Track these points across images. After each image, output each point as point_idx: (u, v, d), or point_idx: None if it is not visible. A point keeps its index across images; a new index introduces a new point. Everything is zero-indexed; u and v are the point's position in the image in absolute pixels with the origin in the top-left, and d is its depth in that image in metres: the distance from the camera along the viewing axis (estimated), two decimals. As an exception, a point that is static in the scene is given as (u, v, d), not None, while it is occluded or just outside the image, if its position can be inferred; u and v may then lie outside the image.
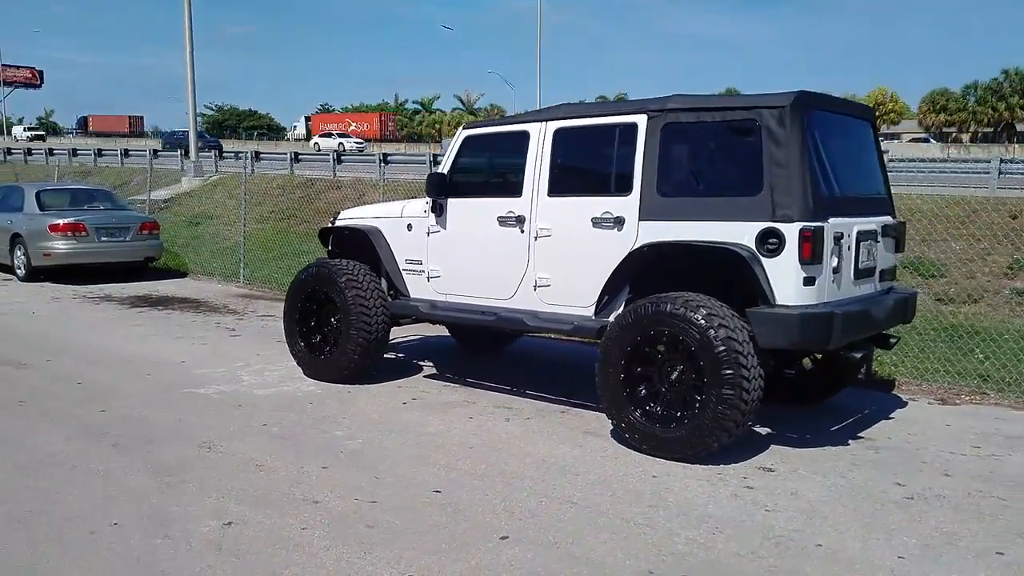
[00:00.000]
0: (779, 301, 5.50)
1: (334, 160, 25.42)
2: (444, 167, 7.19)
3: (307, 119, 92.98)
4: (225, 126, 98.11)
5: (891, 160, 22.73)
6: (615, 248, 6.09)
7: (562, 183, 6.51)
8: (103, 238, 14.24)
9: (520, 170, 6.67)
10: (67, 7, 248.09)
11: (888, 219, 6.48)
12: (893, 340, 6.60)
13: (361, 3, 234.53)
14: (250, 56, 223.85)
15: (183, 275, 15.58)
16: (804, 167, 5.48)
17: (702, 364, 5.53)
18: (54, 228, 13.89)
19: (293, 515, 4.82)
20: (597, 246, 6.18)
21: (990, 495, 5.22)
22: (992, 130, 73.57)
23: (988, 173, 16.81)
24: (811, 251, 5.40)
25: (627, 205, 6.08)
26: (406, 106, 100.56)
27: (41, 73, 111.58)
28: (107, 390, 7.50)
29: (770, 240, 5.48)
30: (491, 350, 9.19)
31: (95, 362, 8.62)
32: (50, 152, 37.02)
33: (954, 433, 6.48)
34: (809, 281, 5.48)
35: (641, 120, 6.08)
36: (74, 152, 36.59)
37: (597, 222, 6.20)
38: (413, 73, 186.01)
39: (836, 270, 5.66)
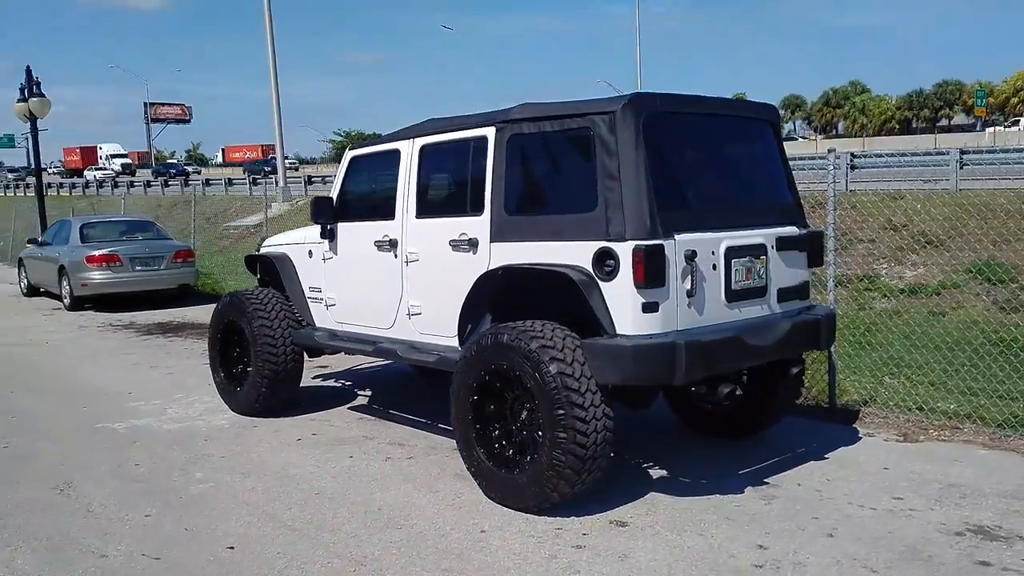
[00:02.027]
0: (618, 330, 4.80)
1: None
2: (333, 190, 6.81)
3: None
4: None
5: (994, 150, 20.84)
6: (471, 272, 5.52)
7: (427, 204, 6.00)
8: (137, 267, 14.62)
9: (393, 191, 6.20)
10: (214, 45, 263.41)
11: (790, 230, 5.60)
12: (795, 370, 5.69)
13: (472, 20, 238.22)
14: (378, 81, 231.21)
15: (222, 300, 15.80)
16: (640, 178, 4.77)
17: (537, 403, 4.90)
18: (90, 259, 14.37)
19: (68, 571, 4.52)
20: (456, 270, 5.63)
21: (862, 566, 4.34)
22: None
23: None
24: (646, 273, 4.67)
25: (480, 225, 5.51)
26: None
27: (190, 109, 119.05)
28: (28, 424, 7.50)
29: (607, 262, 4.79)
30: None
31: (50, 393, 8.70)
32: (166, 183, 38.90)
33: (885, 480, 5.52)
34: (650, 307, 4.75)
35: (491, 133, 5.50)
36: (207, 182, 38.15)
37: (455, 245, 5.65)
38: (530, 87, 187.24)
39: (691, 293, 4.88)
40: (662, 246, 4.73)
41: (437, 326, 5.86)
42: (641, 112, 4.86)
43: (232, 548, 4.76)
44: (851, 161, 19.35)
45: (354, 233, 6.55)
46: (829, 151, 7.10)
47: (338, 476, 5.88)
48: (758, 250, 5.30)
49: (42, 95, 18.68)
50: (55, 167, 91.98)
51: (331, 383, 8.80)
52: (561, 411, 4.75)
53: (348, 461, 6.19)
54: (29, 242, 17.21)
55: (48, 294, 16.21)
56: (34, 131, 19.54)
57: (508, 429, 5.24)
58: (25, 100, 18.66)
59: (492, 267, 5.39)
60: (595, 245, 4.83)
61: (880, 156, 21.20)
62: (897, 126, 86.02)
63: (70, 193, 47.60)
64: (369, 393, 8.29)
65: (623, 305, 4.75)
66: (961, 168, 17.51)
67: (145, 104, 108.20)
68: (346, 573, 4.39)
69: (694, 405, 6.49)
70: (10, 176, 70.65)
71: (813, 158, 23.47)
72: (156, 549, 4.78)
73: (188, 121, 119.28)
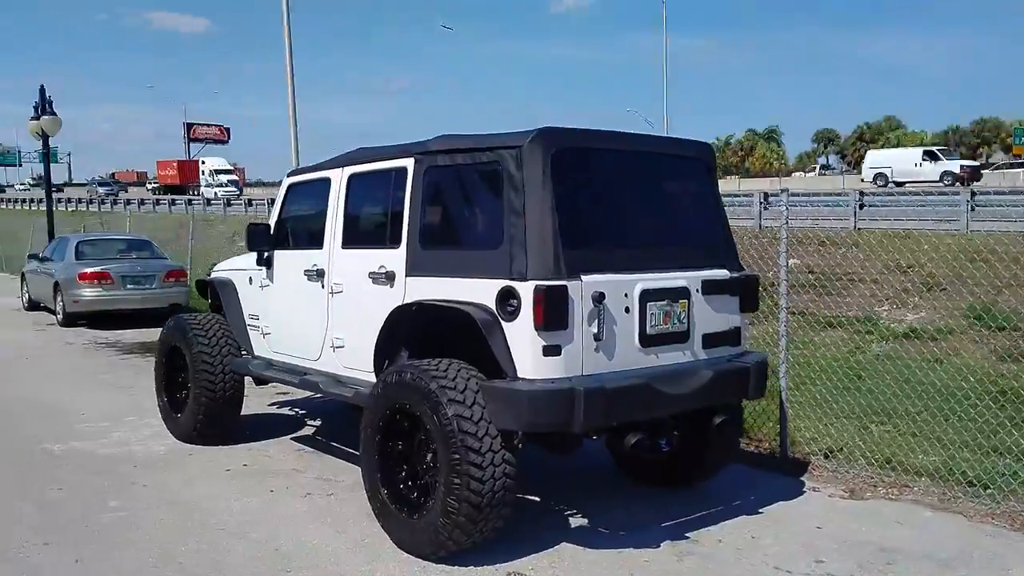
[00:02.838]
0: (519, 373, 4.60)
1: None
2: (272, 217, 6.70)
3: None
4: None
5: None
6: (387, 306, 5.35)
7: (352, 234, 5.86)
8: (129, 286, 14.65)
9: (323, 220, 6.07)
10: (253, 64, 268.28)
11: (718, 273, 5.36)
12: (718, 420, 5.42)
13: (493, 46, 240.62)
14: (410, 104, 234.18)
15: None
16: (544, 216, 4.58)
17: (434, 445, 4.71)
18: (82, 276, 14.43)
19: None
20: (374, 303, 5.46)
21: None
22: None
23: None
24: (546, 314, 4.47)
25: (397, 259, 5.34)
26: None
27: (228, 130, 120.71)
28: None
29: (509, 301, 4.60)
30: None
31: (3, 410, 8.65)
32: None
33: (815, 540, 5.22)
34: (551, 350, 4.54)
35: (410, 164, 5.36)
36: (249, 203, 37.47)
37: (374, 277, 5.49)
38: (553, 114, 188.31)
39: (599, 337, 4.66)
40: (565, 287, 4.52)
41: (358, 360, 5.69)
42: (550, 147, 4.68)
43: (113, 585, 4.60)
44: (860, 199, 18.99)
45: (288, 261, 6.43)
46: (782, 191, 6.85)
47: (250, 511, 5.71)
48: (679, 293, 5.07)
49: (54, 113, 18.94)
50: (152, 183, 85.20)
51: (284, 411, 8.66)
52: (456, 455, 4.54)
53: (267, 496, 6.02)
54: (30, 257, 17.36)
55: (48, 309, 16.31)
56: (46, 148, 19.83)
57: (414, 471, 5.04)
58: (38, 118, 18.91)
59: (407, 301, 5.22)
60: (499, 284, 4.64)
61: (891, 195, 20.77)
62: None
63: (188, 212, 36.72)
64: (318, 423, 8.13)
65: (523, 347, 4.55)
66: (972, 210, 17.10)
67: (184, 124, 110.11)
68: (216, 618, 4.21)
69: (631, 452, 6.24)
70: (101, 190, 64.54)
71: (830, 194, 23.12)
72: (37, 584, 4.64)
73: (226, 142, 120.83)
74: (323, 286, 5.98)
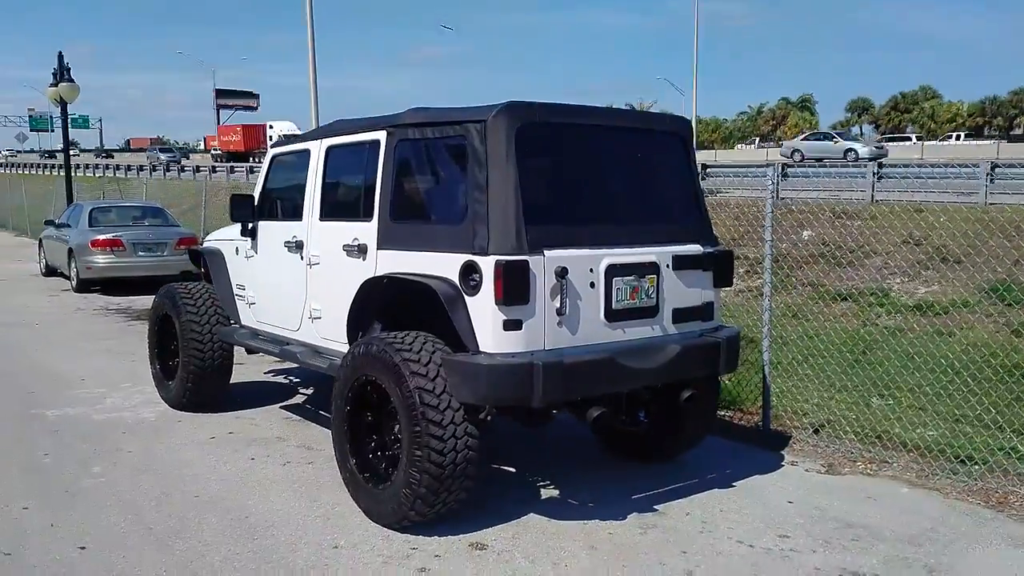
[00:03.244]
0: (481, 347, 4.61)
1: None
2: (256, 188, 6.73)
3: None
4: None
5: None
6: (359, 279, 5.38)
7: (329, 206, 5.87)
8: (140, 253, 14.82)
9: (302, 192, 6.09)
10: (282, 35, 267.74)
11: (690, 248, 5.32)
12: (686, 394, 5.39)
13: (518, 13, 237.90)
14: (443, 74, 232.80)
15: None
16: (507, 191, 4.56)
17: (399, 417, 4.75)
18: (95, 243, 14.61)
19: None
20: (347, 276, 5.48)
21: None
22: None
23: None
24: (506, 289, 4.47)
25: (368, 232, 5.36)
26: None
27: (257, 96, 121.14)
28: (-35, 408, 7.60)
29: (472, 276, 4.60)
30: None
31: (5, 375, 8.82)
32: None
33: (782, 515, 5.23)
34: (512, 325, 4.54)
35: (382, 136, 5.35)
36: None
37: (348, 250, 5.52)
38: (585, 83, 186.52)
39: (562, 311, 4.66)
40: (526, 262, 4.51)
41: (334, 332, 5.73)
42: (515, 122, 4.65)
43: (83, 548, 4.71)
44: (878, 170, 18.69)
45: (271, 232, 6.46)
46: (767, 164, 6.76)
47: (228, 479, 5.80)
48: (647, 268, 5.04)
49: (71, 80, 19.07)
50: (213, 149, 79.38)
51: (279, 379, 8.76)
52: (417, 428, 4.58)
53: (247, 463, 6.11)
54: (46, 223, 17.58)
55: (63, 275, 16.54)
56: (64, 115, 20.02)
57: (382, 442, 5.10)
58: (56, 85, 19.06)
59: (378, 274, 5.25)
60: (462, 258, 4.64)
61: (909, 167, 20.42)
62: (963, 133, 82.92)
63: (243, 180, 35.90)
64: (310, 392, 8.22)
65: (484, 321, 4.56)
66: (992, 182, 16.79)
67: (214, 91, 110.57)
68: (178, 584, 4.30)
69: (607, 423, 6.27)
70: (163, 157, 62.48)
71: (845, 165, 22.78)
72: (12, 543, 4.76)
73: (255, 109, 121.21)
74: (302, 258, 6.02)
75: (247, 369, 8.77)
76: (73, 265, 15.18)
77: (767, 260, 6.71)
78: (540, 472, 5.96)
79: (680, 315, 5.25)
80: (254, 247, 6.69)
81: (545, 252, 4.59)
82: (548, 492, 5.63)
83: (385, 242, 5.23)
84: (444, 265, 4.75)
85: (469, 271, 4.60)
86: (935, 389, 7.40)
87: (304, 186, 6.06)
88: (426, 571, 4.45)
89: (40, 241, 17.92)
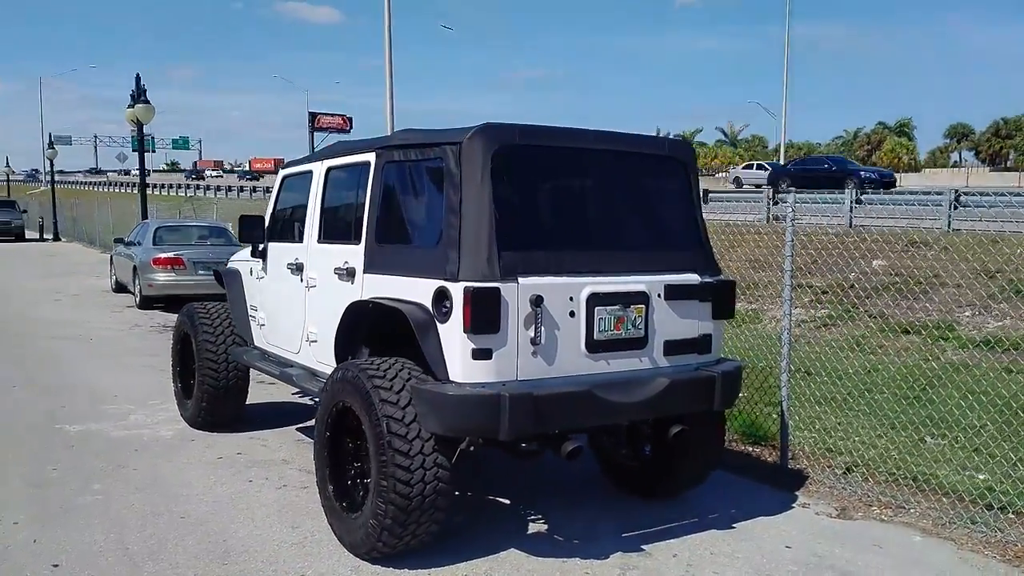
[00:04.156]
0: (451, 376, 4.49)
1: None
2: (268, 209, 6.77)
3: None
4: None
5: None
6: (347, 302, 5.33)
7: (326, 229, 5.85)
8: (200, 271, 15.14)
9: (304, 213, 6.09)
10: (373, 59, 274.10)
11: (686, 277, 5.08)
12: (674, 430, 5.13)
13: (632, 40, 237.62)
14: (543, 96, 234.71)
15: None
16: (481, 215, 4.44)
17: (368, 445, 4.66)
18: (156, 261, 15.04)
19: None
20: (338, 300, 5.43)
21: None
22: None
23: None
24: (475, 317, 4.33)
25: (357, 255, 5.30)
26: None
27: (351, 119, 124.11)
28: (-2, 420, 7.84)
29: (444, 302, 4.49)
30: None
31: (44, 389, 9.08)
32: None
33: (775, 561, 4.92)
34: (482, 354, 4.40)
35: (372, 158, 5.30)
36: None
37: (339, 273, 5.47)
38: (674, 108, 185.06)
39: (536, 341, 4.50)
40: (497, 289, 4.37)
41: (327, 355, 5.68)
42: (491, 145, 4.53)
43: (56, 566, 4.73)
44: (955, 198, 17.89)
45: (278, 254, 6.48)
46: (779, 195, 6.46)
47: (219, 501, 5.79)
48: (635, 298, 4.83)
49: (147, 102, 19.77)
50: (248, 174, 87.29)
51: (305, 400, 8.76)
52: (384, 457, 4.48)
53: (243, 486, 6.10)
54: (116, 241, 18.20)
55: (130, 291, 17.08)
56: (140, 135, 20.70)
57: (361, 469, 5.01)
58: (133, 106, 19.79)
59: (363, 298, 5.18)
60: (435, 283, 4.53)
61: (1001, 195, 19.48)
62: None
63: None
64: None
65: (453, 350, 4.44)
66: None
67: (308, 114, 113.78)
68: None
69: (610, 457, 6.07)
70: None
71: (927, 192, 21.90)
72: (-8, 561, 4.83)
73: (348, 131, 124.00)
74: (301, 280, 6.01)
75: (275, 390, 8.84)
76: (137, 282, 15.66)
77: (786, 291, 6.40)
78: (534, 505, 5.78)
79: (673, 347, 5.02)
80: (264, 268, 6.72)
81: (520, 279, 4.45)
82: (537, 526, 5.44)
83: (371, 266, 5.17)
84: (420, 290, 4.65)
85: (441, 297, 4.49)
86: (996, 429, 6.96)
87: (306, 208, 6.06)
88: (382, 606, 4.32)
89: (111, 258, 18.57)
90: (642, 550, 5.03)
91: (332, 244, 5.68)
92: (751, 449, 7.16)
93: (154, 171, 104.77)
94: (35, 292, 18.38)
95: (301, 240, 6.06)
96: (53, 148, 42.34)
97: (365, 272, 5.20)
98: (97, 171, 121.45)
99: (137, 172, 21.99)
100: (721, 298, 5.21)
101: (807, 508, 5.83)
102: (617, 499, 5.95)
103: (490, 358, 4.41)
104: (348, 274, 5.35)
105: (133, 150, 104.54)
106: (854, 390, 8.80)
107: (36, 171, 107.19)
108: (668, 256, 5.10)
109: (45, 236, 40.49)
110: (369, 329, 5.30)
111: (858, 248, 14.02)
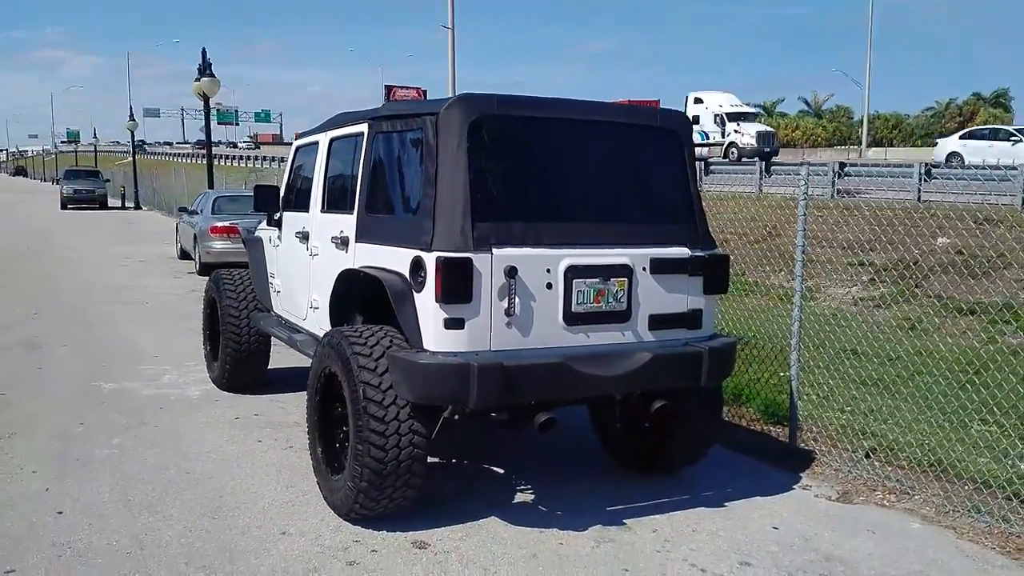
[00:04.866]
0: (424, 345, 4.55)
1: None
2: (283, 178, 6.92)
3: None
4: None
5: None
6: (339, 271, 5.44)
7: (328, 199, 5.95)
8: (255, 239, 15.53)
9: (311, 183, 6.21)
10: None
11: (674, 251, 5.00)
12: (656, 405, 5.08)
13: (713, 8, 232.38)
14: (613, 69, 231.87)
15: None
16: (456, 186, 4.47)
17: (348, 410, 4.76)
18: (213, 230, 15.49)
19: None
20: (334, 268, 5.55)
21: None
22: None
23: None
24: (444, 287, 4.37)
25: (350, 224, 5.39)
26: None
27: (425, 92, 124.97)
28: (38, 376, 8.25)
29: (419, 272, 4.54)
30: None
31: (90, 349, 9.51)
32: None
33: (759, 541, 4.86)
34: (453, 323, 4.44)
35: (364, 129, 5.37)
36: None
37: (335, 242, 5.58)
38: (763, 75, 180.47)
39: (510, 312, 4.52)
40: (469, 259, 4.40)
41: (327, 322, 5.81)
42: (468, 115, 4.54)
43: (60, 513, 4.99)
44: (1028, 173, 17.06)
45: (290, 223, 6.62)
46: (802, 164, 6.29)
47: (226, 459, 6.00)
48: (617, 271, 4.80)
49: (212, 75, 20.27)
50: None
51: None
52: (359, 422, 4.58)
53: (253, 445, 6.31)
54: (180, 210, 18.78)
55: (192, 258, 17.64)
56: (206, 108, 21.28)
57: (346, 433, 5.12)
58: (199, 80, 20.31)
59: (354, 267, 5.28)
60: (412, 253, 4.59)
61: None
62: None
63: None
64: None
65: (427, 319, 4.49)
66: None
67: (384, 87, 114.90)
68: (120, 555, 4.48)
69: (607, 430, 6.06)
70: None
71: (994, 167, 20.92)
72: (2, 504, 5.11)
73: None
74: (307, 248, 6.14)
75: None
76: (197, 249, 16.16)
77: (798, 266, 6.24)
78: (528, 475, 5.83)
79: (659, 322, 4.97)
80: (279, 236, 6.88)
81: (493, 250, 4.47)
82: (523, 496, 5.49)
83: (361, 235, 5.25)
84: (400, 260, 4.71)
85: (417, 267, 4.54)
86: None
87: (313, 178, 6.17)
88: (355, 565, 4.43)
89: (176, 226, 19.18)
90: (623, 524, 5.03)
91: (332, 214, 5.78)
92: (772, 429, 7.04)
93: (240, 143, 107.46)
94: (107, 258, 19.15)
95: (307, 209, 6.18)
96: (134, 120, 43.82)
97: (356, 241, 5.29)
98: (184, 143, 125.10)
99: (217, 144, 22.54)
100: (713, 273, 5.13)
101: (808, 490, 5.73)
102: (613, 474, 5.94)
103: (462, 328, 4.45)
104: (343, 243, 5.45)
105: (219, 123, 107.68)
106: (903, 371, 8.55)
107: (142, 142, 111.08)
108: (656, 229, 5.04)
109: (127, 205, 42.02)
110: (361, 297, 5.39)
111: (925, 223, 13.57)
